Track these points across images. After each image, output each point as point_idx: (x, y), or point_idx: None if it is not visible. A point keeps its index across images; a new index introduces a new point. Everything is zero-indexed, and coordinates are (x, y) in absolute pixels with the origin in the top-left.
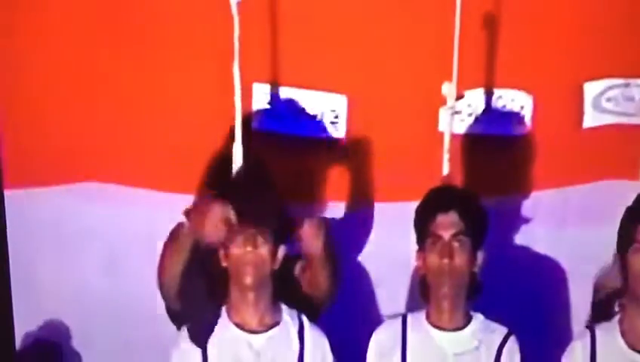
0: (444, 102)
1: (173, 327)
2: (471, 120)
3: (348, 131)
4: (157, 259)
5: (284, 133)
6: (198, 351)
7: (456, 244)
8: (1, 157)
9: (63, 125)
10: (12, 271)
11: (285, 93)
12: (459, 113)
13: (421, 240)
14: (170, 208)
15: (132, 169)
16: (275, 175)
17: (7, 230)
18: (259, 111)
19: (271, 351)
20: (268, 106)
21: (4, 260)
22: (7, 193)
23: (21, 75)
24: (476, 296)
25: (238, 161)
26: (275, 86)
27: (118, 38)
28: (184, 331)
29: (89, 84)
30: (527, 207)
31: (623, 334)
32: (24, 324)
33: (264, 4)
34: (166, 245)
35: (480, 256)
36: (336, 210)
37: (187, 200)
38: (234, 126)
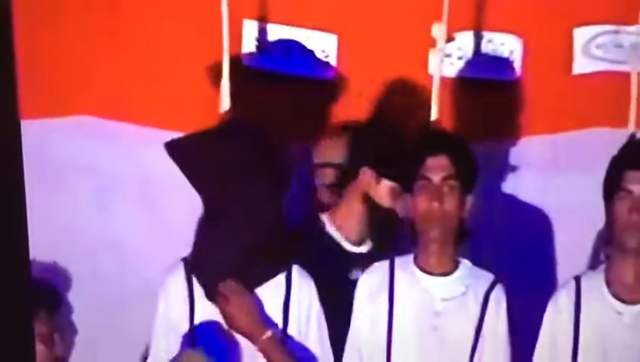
0: (434, 44)
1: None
2: (461, 63)
3: (337, 71)
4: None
5: (274, 71)
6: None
7: (445, 188)
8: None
9: (58, 59)
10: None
11: (275, 30)
12: (449, 56)
13: (410, 183)
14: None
15: (125, 104)
16: (267, 113)
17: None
18: (249, 49)
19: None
20: (257, 44)
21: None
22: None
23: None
24: (464, 242)
25: (225, 100)
26: (265, 23)
27: None
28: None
29: (88, 21)
30: (515, 152)
31: (608, 283)
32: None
33: None
34: None
35: (469, 200)
36: None
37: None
38: (220, 63)
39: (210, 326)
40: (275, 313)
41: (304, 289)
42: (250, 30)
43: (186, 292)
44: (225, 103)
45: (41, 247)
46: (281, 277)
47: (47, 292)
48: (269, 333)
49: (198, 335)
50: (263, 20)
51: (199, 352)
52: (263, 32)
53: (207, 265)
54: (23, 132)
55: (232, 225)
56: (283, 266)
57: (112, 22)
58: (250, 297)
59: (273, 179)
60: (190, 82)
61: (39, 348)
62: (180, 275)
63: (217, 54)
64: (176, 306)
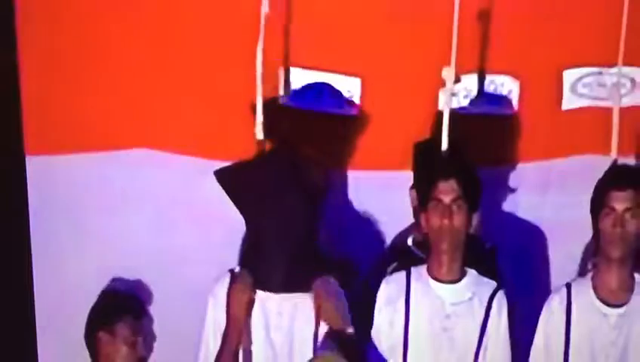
0: (443, 84)
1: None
2: (466, 101)
3: (361, 108)
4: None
5: (309, 109)
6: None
7: (454, 208)
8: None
9: (113, 94)
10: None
11: (308, 75)
12: (456, 95)
13: (424, 203)
14: (209, 173)
15: (176, 137)
16: (301, 144)
17: (60, 192)
18: (288, 91)
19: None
20: (296, 87)
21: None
22: (61, 157)
23: (72, 46)
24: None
25: (259, 132)
26: (299, 68)
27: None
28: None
29: (137, 58)
30: (513, 176)
31: (595, 289)
32: (96, 278)
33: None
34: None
35: (475, 218)
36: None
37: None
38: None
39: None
40: (305, 324)
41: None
42: (287, 74)
43: None
44: (259, 134)
45: (100, 256)
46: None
47: (133, 302)
48: (351, 329)
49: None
50: (298, 66)
51: (333, 354)
52: (297, 75)
53: (252, 273)
54: (84, 164)
55: (271, 241)
56: (316, 276)
57: (165, 61)
58: (342, 294)
59: (307, 201)
60: (233, 118)
61: (123, 349)
62: (226, 284)
63: (254, 93)
64: (224, 311)
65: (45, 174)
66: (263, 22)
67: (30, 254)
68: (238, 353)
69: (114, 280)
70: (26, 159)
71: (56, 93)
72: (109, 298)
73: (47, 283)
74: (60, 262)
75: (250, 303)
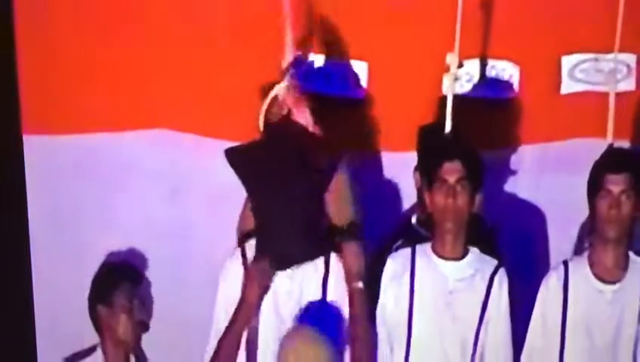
0: (447, 69)
1: (227, 247)
2: (469, 85)
3: (368, 92)
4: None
5: (318, 91)
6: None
7: (459, 188)
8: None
9: (131, 76)
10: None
11: (318, 59)
12: (459, 79)
13: (429, 183)
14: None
15: (194, 118)
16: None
17: (84, 172)
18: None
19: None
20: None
21: None
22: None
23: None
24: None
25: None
26: (313, 54)
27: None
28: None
29: (149, 40)
30: (514, 158)
31: (591, 266)
32: (107, 246)
33: None
34: None
35: (478, 198)
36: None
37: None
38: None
39: (318, 305)
40: (314, 286)
41: (341, 272)
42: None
43: (241, 274)
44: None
45: (123, 235)
46: (320, 261)
47: (127, 269)
48: (360, 284)
49: (308, 314)
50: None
51: (309, 328)
52: (312, 61)
53: (260, 248)
54: (105, 143)
55: (276, 221)
56: (320, 252)
57: (176, 43)
58: (362, 249)
59: (313, 182)
60: (244, 99)
61: (122, 317)
62: (237, 259)
63: (267, 76)
64: (234, 285)
65: (46, 154)
66: (287, 5)
67: (28, 239)
68: (242, 334)
69: (109, 254)
70: (24, 139)
71: (63, 74)
72: (104, 272)
73: (46, 270)
74: (60, 244)
75: (267, 290)
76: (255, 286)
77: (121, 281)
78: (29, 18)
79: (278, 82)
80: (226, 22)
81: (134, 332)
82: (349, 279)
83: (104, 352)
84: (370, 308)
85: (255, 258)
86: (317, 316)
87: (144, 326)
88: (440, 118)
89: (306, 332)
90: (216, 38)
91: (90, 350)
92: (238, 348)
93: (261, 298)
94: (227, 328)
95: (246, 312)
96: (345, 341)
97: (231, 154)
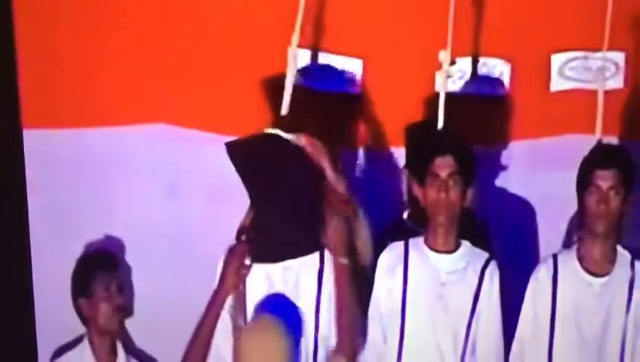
0: (440, 67)
1: (227, 242)
2: (461, 82)
3: (363, 88)
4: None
5: (313, 88)
6: None
7: (451, 182)
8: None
9: (132, 71)
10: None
11: (315, 56)
12: (451, 76)
13: (421, 178)
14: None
15: (194, 113)
16: (307, 120)
17: (83, 166)
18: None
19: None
20: (302, 66)
21: None
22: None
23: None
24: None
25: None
26: (307, 50)
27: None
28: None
29: (151, 34)
30: (505, 154)
31: (580, 259)
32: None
33: None
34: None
35: (470, 192)
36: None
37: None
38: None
39: (278, 297)
40: (310, 279)
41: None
42: (297, 56)
43: None
44: (284, 110)
45: (122, 229)
46: (315, 255)
47: (103, 257)
48: (345, 261)
49: (268, 304)
50: (305, 48)
51: (270, 317)
52: (305, 57)
53: (257, 242)
54: (106, 137)
55: (273, 216)
56: (315, 246)
57: (178, 38)
58: (347, 228)
59: (308, 176)
60: (245, 94)
61: (102, 305)
62: None
63: (268, 71)
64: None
65: (46, 148)
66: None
67: (28, 231)
68: (217, 319)
69: (86, 246)
70: (24, 133)
71: (63, 69)
72: (80, 265)
73: (45, 263)
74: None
75: (244, 274)
76: (231, 268)
77: (96, 271)
78: (29, 13)
79: (279, 75)
80: (226, 17)
81: (116, 318)
82: (334, 254)
83: (90, 342)
84: (365, 300)
85: (233, 246)
86: (277, 306)
87: (125, 311)
88: (432, 114)
89: (265, 321)
90: (216, 33)
91: (77, 341)
92: (212, 332)
93: (240, 282)
94: (204, 313)
95: (222, 297)
96: (303, 331)
97: (231, 148)
